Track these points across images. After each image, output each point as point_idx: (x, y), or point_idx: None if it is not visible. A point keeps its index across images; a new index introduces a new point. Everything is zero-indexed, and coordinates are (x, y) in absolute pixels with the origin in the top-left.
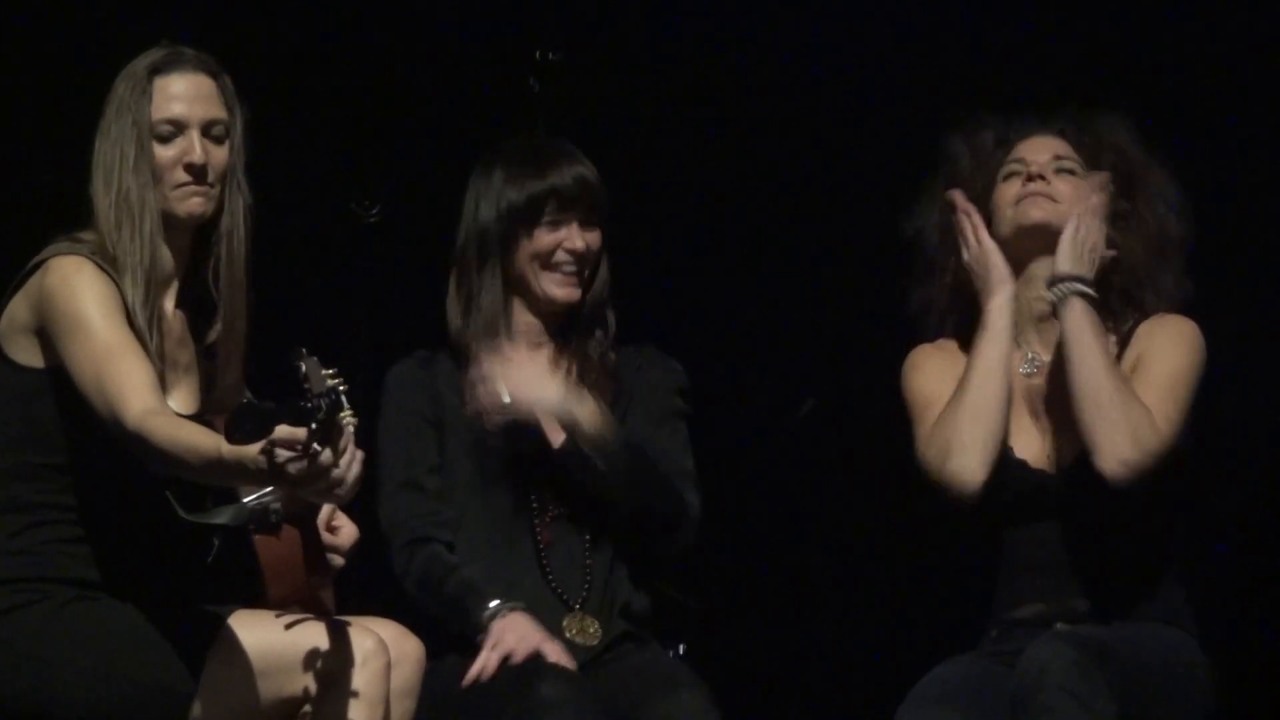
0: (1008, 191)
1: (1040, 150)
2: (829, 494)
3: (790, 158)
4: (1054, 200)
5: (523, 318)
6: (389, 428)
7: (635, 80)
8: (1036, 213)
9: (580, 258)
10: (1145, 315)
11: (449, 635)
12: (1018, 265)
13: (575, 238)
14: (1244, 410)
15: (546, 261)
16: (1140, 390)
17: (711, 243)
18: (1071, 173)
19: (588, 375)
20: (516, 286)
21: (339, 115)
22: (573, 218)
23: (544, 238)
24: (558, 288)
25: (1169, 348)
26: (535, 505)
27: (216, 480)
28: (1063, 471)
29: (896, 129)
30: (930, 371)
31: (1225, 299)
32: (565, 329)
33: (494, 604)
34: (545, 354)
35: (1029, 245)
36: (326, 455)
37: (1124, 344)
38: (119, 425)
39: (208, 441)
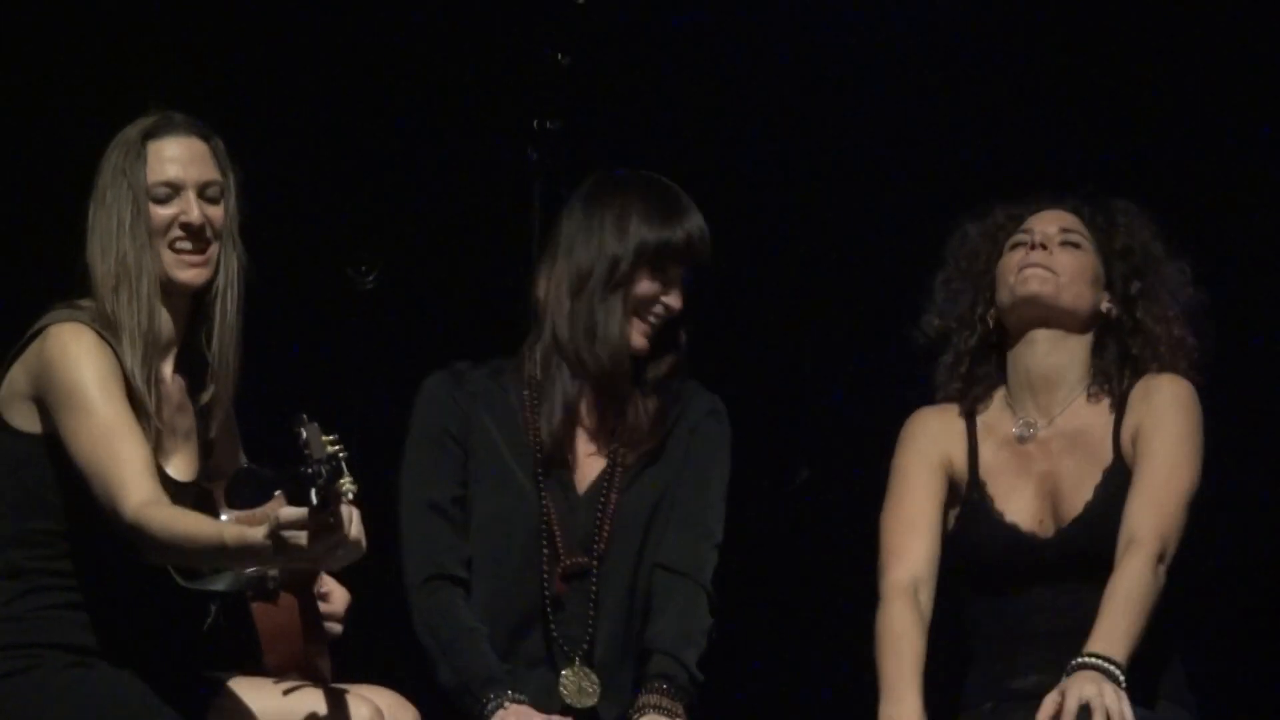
0: (1012, 259)
1: (1049, 221)
2: (824, 559)
3: (794, 230)
4: (1053, 272)
5: None
6: (416, 442)
7: (633, 146)
8: (1033, 284)
9: (671, 314)
10: (1139, 375)
11: (444, 697)
12: (1017, 331)
13: (675, 296)
14: (1246, 479)
15: (641, 309)
16: (1146, 492)
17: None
18: (1076, 245)
19: (631, 420)
20: None
21: (335, 181)
22: (681, 275)
23: (650, 287)
24: (636, 335)
25: (1174, 445)
26: (549, 551)
27: (213, 566)
28: (1058, 536)
29: (905, 211)
30: (918, 449)
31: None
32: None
33: (495, 697)
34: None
35: (1027, 315)
36: (331, 523)
37: (1120, 406)
38: (116, 515)
39: (208, 528)
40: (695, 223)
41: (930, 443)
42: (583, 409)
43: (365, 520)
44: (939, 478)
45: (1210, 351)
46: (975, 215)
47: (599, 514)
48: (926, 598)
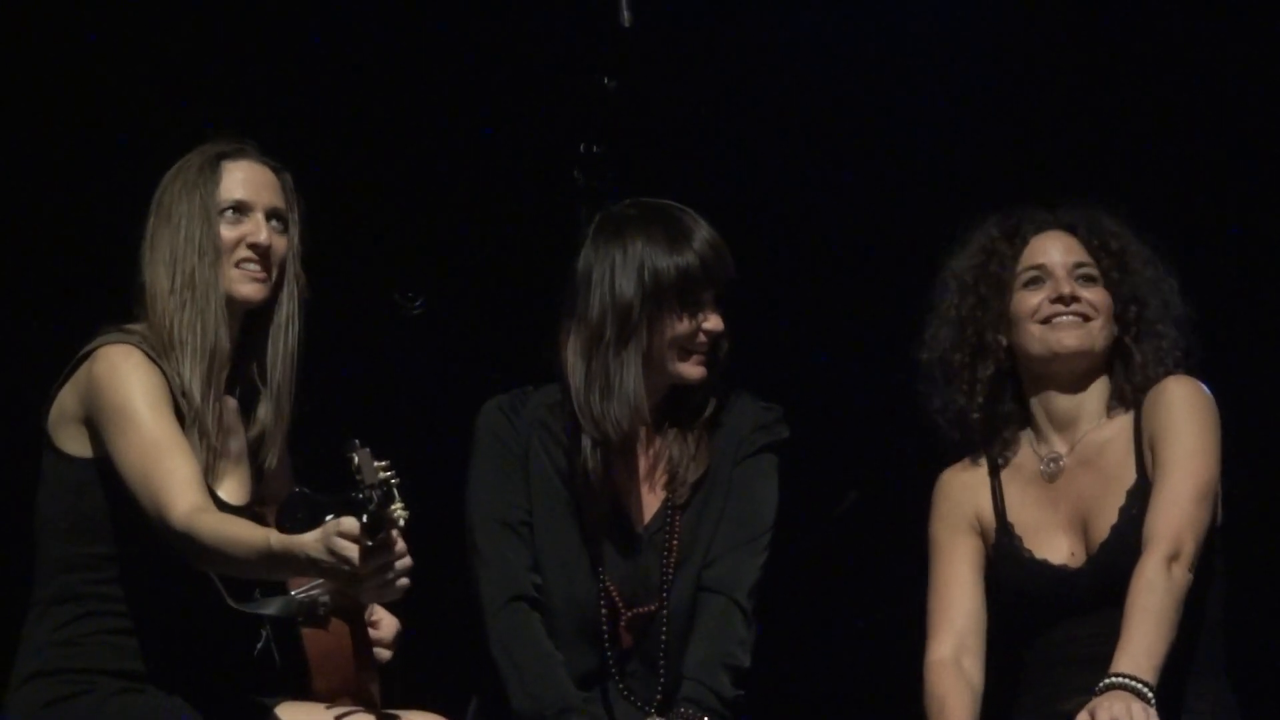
0: (1030, 301)
1: (1055, 252)
2: (867, 586)
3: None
4: (1086, 318)
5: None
6: (482, 463)
7: (678, 170)
8: (1071, 340)
9: (715, 336)
10: (1148, 382)
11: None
12: (1041, 373)
13: (713, 319)
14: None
15: (685, 344)
16: (1158, 495)
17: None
18: (1091, 279)
19: (681, 451)
20: (647, 366)
21: (382, 207)
22: (710, 297)
23: (685, 322)
24: (693, 368)
25: (1183, 444)
26: (609, 605)
27: (263, 575)
28: (1090, 565)
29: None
30: (946, 515)
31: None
32: (670, 400)
33: None
34: (642, 436)
35: (1063, 367)
36: (381, 549)
37: (1137, 420)
38: (165, 523)
39: (256, 535)
40: (703, 240)
41: (955, 506)
42: (624, 455)
43: (412, 547)
44: (969, 539)
45: (1198, 351)
46: (968, 227)
47: (664, 561)
48: (971, 662)
